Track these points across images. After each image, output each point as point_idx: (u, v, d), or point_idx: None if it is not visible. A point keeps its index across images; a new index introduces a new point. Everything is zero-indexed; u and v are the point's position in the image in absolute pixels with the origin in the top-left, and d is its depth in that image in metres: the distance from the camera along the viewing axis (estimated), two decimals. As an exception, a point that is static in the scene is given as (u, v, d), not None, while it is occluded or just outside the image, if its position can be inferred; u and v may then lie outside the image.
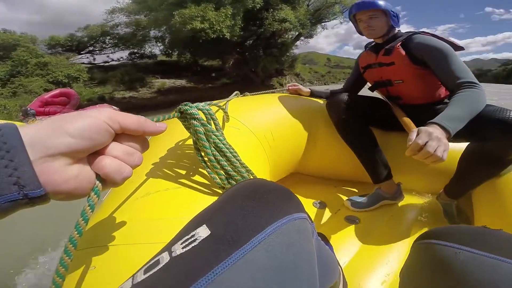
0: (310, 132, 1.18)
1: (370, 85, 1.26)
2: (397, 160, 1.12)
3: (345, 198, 1.13)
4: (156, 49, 19.08)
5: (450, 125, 0.72)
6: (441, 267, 0.34)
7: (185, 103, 0.54)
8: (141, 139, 0.32)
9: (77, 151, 0.26)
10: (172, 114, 0.48)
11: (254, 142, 0.87)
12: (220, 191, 0.56)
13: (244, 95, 1.24)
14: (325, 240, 0.77)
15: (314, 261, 0.31)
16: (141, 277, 0.25)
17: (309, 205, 1.11)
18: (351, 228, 0.97)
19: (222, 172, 0.54)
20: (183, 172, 0.60)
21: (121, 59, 20.05)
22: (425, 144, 0.68)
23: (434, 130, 0.69)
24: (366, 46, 1.25)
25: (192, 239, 0.27)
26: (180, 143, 0.70)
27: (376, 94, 1.26)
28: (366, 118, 1.10)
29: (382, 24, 1.07)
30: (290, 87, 1.40)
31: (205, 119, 0.55)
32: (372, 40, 1.18)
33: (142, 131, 0.32)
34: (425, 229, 0.98)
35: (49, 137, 0.24)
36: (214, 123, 0.58)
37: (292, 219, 0.30)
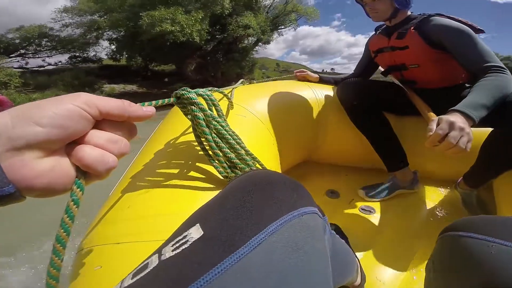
0: (321, 118, 1.12)
1: (382, 69, 1.19)
2: (413, 146, 1.06)
3: (358, 186, 1.08)
4: (102, 52, 17.99)
5: (475, 113, 0.67)
6: (472, 262, 0.31)
7: (183, 88, 0.50)
8: (127, 125, 0.29)
9: (48, 141, 0.22)
10: (168, 99, 0.44)
11: (262, 130, 0.83)
12: (226, 181, 0.52)
13: (250, 83, 1.19)
14: (340, 232, 0.73)
15: (326, 261, 0.27)
16: (128, 281, 0.22)
17: (321, 194, 1.07)
18: (367, 218, 0.93)
19: (224, 160, 0.51)
20: (188, 163, 0.56)
21: (59, 63, 18.08)
22: (447, 134, 0.62)
23: (456, 119, 0.64)
24: (376, 29, 1.18)
25: (184, 240, 0.24)
26: (182, 132, 0.66)
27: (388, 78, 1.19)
28: (379, 103, 1.04)
29: (386, 7, 0.99)
30: (298, 73, 1.34)
31: (205, 105, 0.51)
32: (382, 22, 1.10)
33: (126, 116, 0.28)
34: (443, 220, 0.94)
35: (13, 127, 0.21)
36: (216, 109, 0.54)
37: (299, 214, 0.26)
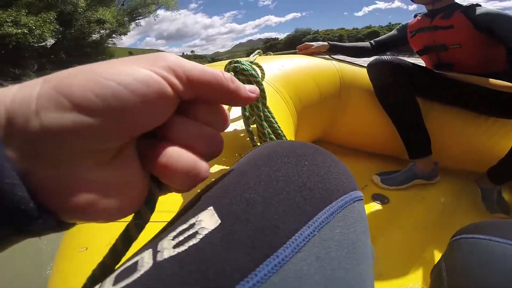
0: (340, 97, 1.04)
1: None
2: (438, 135, 0.99)
3: (372, 173, 1.02)
4: None
5: None
6: (494, 265, 0.32)
7: (235, 59, 0.43)
8: (220, 110, 0.17)
9: (103, 136, 0.13)
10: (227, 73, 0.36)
11: (281, 104, 0.75)
12: None
13: (267, 54, 1.08)
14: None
15: (371, 260, 0.20)
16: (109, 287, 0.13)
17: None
18: (380, 208, 0.88)
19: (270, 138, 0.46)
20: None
21: None
22: None
23: None
24: (415, 16, 1.15)
25: (191, 231, 0.15)
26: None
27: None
28: (413, 85, 0.97)
29: None
30: (301, 48, 1.22)
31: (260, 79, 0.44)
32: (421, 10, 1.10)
33: (226, 98, 0.17)
34: (460, 216, 0.89)
35: (37, 113, 0.11)
36: (259, 86, 0.45)
37: (351, 200, 0.18)
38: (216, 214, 0.16)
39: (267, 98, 0.58)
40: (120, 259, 0.17)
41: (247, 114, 0.45)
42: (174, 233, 0.15)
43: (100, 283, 0.14)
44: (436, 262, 0.42)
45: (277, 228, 0.14)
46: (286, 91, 0.82)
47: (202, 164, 0.16)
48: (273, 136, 0.45)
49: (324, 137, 1.18)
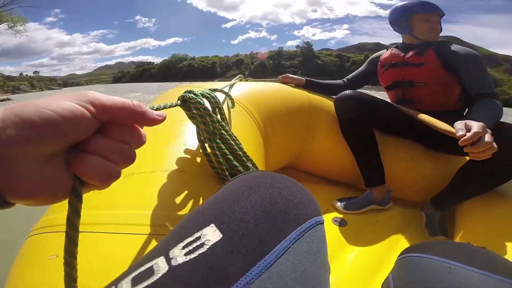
0: (310, 127, 1.14)
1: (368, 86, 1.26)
2: (391, 166, 1.11)
3: (334, 198, 1.10)
4: None
5: (487, 125, 0.75)
6: (433, 281, 0.35)
7: (189, 90, 0.47)
8: (135, 130, 0.24)
9: (42, 146, 0.19)
10: (174, 102, 0.41)
11: (253, 129, 0.82)
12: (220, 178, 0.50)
13: (247, 80, 1.17)
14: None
15: (329, 272, 0.28)
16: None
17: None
18: (338, 230, 0.95)
19: (226, 166, 0.49)
20: (176, 155, 0.53)
21: None
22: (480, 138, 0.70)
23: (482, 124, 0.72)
24: (389, 46, 1.24)
25: (198, 243, 0.21)
26: (180, 127, 0.62)
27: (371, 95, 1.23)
28: (373, 120, 1.08)
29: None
30: (280, 78, 1.30)
31: (210, 109, 0.49)
32: (394, 42, 1.21)
33: (135, 120, 0.24)
34: (408, 238, 0.99)
35: (3, 129, 0.18)
36: (220, 112, 0.52)
37: (315, 223, 0.26)
38: (218, 230, 0.22)
39: (241, 121, 0.65)
40: (76, 234, 0.23)
41: (202, 138, 0.49)
42: (182, 244, 0.21)
43: (115, 284, 0.20)
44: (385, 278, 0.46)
45: (264, 241, 0.22)
46: (260, 117, 0.89)
47: (113, 168, 0.22)
48: (230, 157, 0.49)
49: (294, 164, 1.26)
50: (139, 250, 0.35)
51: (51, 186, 0.20)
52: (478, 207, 0.94)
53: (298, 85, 1.26)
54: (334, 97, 1.14)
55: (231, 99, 0.72)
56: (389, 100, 1.24)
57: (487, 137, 0.70)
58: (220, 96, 0.74)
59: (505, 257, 0.65)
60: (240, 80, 1.09)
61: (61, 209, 0.42)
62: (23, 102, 0.19)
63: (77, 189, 0.22)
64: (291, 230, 0.23)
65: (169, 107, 0.35)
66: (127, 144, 0.23)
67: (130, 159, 0.24)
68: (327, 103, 1.20)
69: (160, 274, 0.19)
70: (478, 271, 0.33)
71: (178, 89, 0.89)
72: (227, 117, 0.72)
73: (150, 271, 0.20)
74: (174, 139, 0.58)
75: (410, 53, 1.10)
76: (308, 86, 1.27)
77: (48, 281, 0.32)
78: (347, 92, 1.08)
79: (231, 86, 0.90)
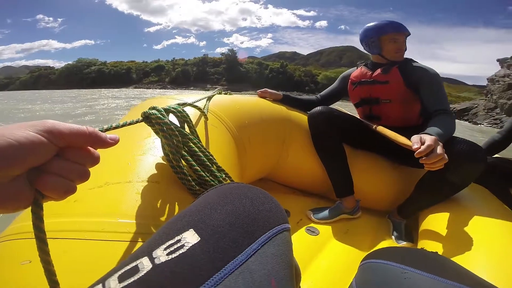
0: (285, 141, 1.19)
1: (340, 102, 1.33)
2: (360, 177, 1.19)
3: (307, 209, 1.15)
4: None
5: (440, 139, 0.83)
6: (389, 285, 0.37)
7: (153, 106, 0.48)
8: (90, 152, 0.28)
9: (4, 169, 0.22)
10: (137, 119, 0.43)
11: (230, 142, 0.85)
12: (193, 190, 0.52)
13: (226, 93, 1.21)
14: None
15: (294, 275, 0.31)
16: (115, 285, 0.21)
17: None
18: (311, 239, 0.99)
19: (194, 177, 0.51)
20: (152, 167, 0.55)
21: None
22: (432, 149, 0.78)
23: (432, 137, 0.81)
24: (358, 64, 1.33)
25: (179, 244, 0.24)
26: (151, 134, 0.64)
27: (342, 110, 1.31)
28: (342, 134, 1.16)
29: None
30: (259, 92, 1.37)
31: (177, 123, 0.51)
32: (362, 61, 1.30)
33: (90, 144, 0.28)
34: (376, 245, 1.04)
35: None
36: (189, 126, 0.54)
37: (281, 229, 0.30)
38: (196, 234, 0.25)
39: (217, 134, 0.67)
40: (44, 236, 0.27)
41: (166, 152, 0.51)
42: (164, 246, 0.25)
43: (102, 282, 0.23)
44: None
45: (237, 243, 0.26)
46: (237, 129, 0.93)
47: (69, 185, 0.26)
48: (198, 168, 0.51)
49: (271, 176, 1.30)
50: (115, 256, 0.36)
51: (16, 199, 0.24)
52: (437, 215, 1.01)
53: (275, 100, 1.32)
54: (308, 112, 1.21)
55: (203, 112, 0.75)
56: (358, 116, 1.33)
57: (439, 149, 0.78)
58: (197, 113, 0.76)
59: (461, 259, 0.72)
60: (219, 93, 1.13)
61: (28, 217, 0.42)
62: None
63: (38, 200, 0.26)
64: (260, 235, 0.27)
65: (133, 123, 0.38)
66: (83, 164, 0.27)
67: (84, 177, 0.27)
68: (301, 117, 1.27)
69: (144, 271, 0.22)
70: (430, 276, 0.35)
71: (155, 100, 0.90)
72: (205, 129, 0.75)
73: (135, 269, 0.22)
74: (151, 151, 0.60)
75: (377, 72, 1.18)
76: (285, 101, 1.34)
77: (24, 285, 0.33)
78: (319, 108, 1.15)
79: (209, 98, 0.93)
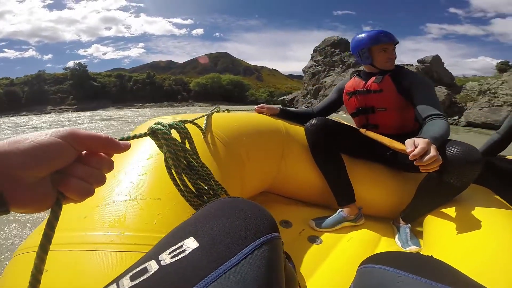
0: (283, 153, 1.23)
1: (338, 111, 1.36)
2: (360, 185, 1.21)
3: (309, 218, 1.17)
4: None
5: (435, 143, 0.85)
6: None
7: (158, 121, 0.52)
8: (106, 158, 0.32)
9: (31, 171, 0.25)
10: (144, 132, 0.47)
11: (227, 158, 0.90)
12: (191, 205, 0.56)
13: (224, 111, 1.27)
14: (289, 258, 0.78)
15: (283, 279, 0.35)
16: (128, 283, 0.26)
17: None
18: (314, 248, 1.00)
19: (193, 190, 0.55)
20: (153, 184, 0.60)
21: None
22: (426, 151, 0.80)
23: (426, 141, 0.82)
24: (352, 74, 1.37)
25: (181, 249, 0.29)
26: (152, 156, 0.69)
27: (341, 120, 1.35)
28: (339, 145, 1.19)
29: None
30: (257, 108, 1.42)
31: (178, 137, 0.55)
32: (356, 70, 1.32)
33: (106, 149, 0.32)
34: (380, 251, 1.05)
35: (7, 158, 0.24)
36: (189, 142, 0.58)
37: (271, 238, 0.34)
38: (195, 241, 0.30)
39: (216, 150, 0.71)
40: (51, 239, 0.29)
41: (168, 165, 0.53)
42: (169, 250, 0.29)
43: (116, 282, 0.28)
44: None
45: (230, 248, 0.30)
46: (235, 146, 0.97)
47: (89, 188, 0.29)
48: (197, 181, 0.55)
49: (272, 189, 1.33)
50: (124, 264, 0.40)
51: (41, 200, 0.27)
52: (442, 218, 1.02)
53: (272, 115, 1.37)
54: (304, 125, 1.25)
55: (201, 129, 0.80)
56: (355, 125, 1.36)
57: (432, 151, 0.80)
58: (196, 127, 0.81)
59: (467, 262, 0.72)
60: (218, 111, 1.19)
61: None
62: (19, 137, 0.26)
63: (60, 200, 0.29)
64: (252, 242, 0.31)
65: (140, 136, 0.42)
66: (100, 169, 0.31)
67: (102, 181, 0.31)
68: (299, 130, 1.31)
69: (152, 271, 0.27)
70: (424, 280, 0.35)
71: (157, 120, 0.96)
72: (205, 146, 0.80)
73: (145, 270, 0.27)
74: (152, 171, 0.65)
75: (370, 81, 1.21)
76: (282, 115, 1.39)
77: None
78: (314, 120, 1.19)
79: (209, 116, 0.99)
